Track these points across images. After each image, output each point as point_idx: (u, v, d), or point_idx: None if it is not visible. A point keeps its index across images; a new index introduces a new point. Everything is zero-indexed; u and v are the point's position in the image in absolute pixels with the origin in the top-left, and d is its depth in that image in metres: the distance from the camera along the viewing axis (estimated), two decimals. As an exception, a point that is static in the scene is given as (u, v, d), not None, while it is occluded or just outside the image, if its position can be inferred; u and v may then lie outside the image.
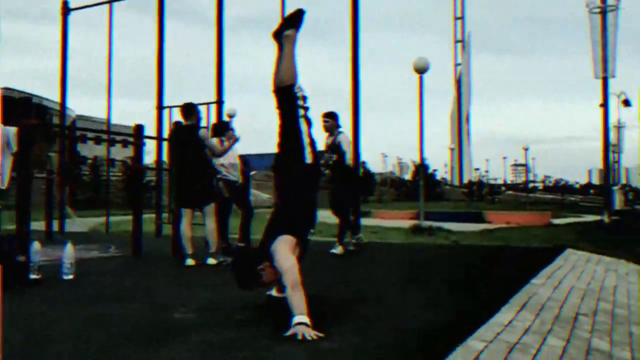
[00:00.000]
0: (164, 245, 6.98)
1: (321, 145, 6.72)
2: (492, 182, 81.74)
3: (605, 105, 14.60)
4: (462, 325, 2.88)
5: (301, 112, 3.27)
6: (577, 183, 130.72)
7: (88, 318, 3.13)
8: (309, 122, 3.31)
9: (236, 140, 5.91)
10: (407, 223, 14.88)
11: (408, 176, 68.26)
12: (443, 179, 62.42)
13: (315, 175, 3.35)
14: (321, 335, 2.65)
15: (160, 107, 9.14)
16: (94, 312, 3.30)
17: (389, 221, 18.00)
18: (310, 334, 2.64)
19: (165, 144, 6.85)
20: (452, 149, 22.45)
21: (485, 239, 10.79)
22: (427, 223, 13.18)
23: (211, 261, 5.61)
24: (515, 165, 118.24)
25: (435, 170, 56.60)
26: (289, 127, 3.23)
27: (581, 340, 2.94)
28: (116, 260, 6.08)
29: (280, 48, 3.30)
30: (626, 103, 28.14)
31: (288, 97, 3.23)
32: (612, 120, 29.95)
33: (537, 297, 3.87)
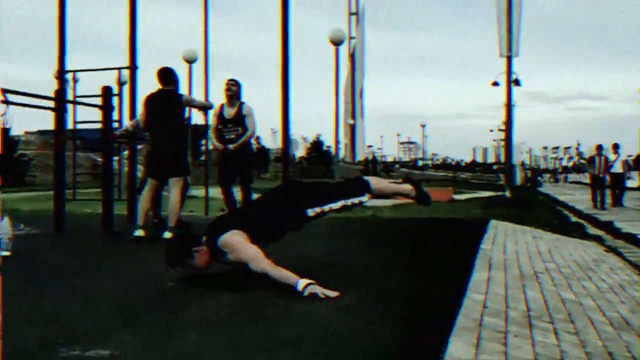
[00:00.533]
0: (89, 223, 6.84)
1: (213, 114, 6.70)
2: (382, 159, 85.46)
3: (515, 82, 16.04)
4: (454, 282, 3.34)
5: None
6: (462, 160, 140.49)
7: (76, 291, 3.19)
8: None
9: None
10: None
11: (300, 153, 69.17)
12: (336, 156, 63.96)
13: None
14: (337, 293, 2.97)
15: (61, 72, 8.75)
16: (79, 284, 3.35)
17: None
18: (327, 292, 2.95)
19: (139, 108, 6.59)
20: (351, 125, 23.34)
21: (401, 212, 11.60)
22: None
23: (168, 235, 5.63)
24: (406, 142, 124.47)
25: (329, 147, 57.98)
26: None
27: (551, 292, 3.54)
28: (40, 238, 5.89)
29: None
30: (516, 82, 30.85)
31: None
32: (504, 99, 32.56)
33: (495, 260, 4.45)
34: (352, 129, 20.68)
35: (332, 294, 2.95)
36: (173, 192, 5.67)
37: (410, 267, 3.96)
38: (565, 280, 4.00)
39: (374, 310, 2.75)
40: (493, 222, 7.54)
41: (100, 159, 8.15)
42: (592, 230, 8.81)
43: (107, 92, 6.09)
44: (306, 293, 2.94)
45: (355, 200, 3.45)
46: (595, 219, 10.75)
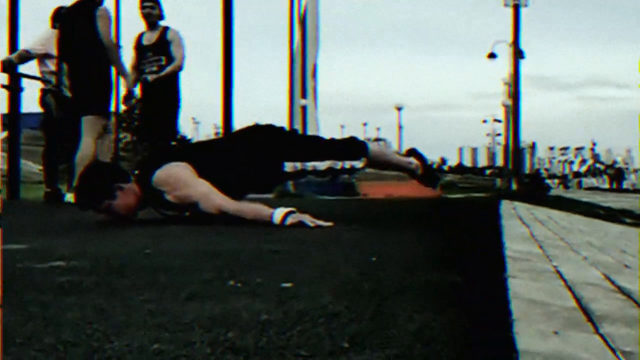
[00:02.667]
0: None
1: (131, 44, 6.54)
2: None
3: (519, 54, 16.26)
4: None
5: None
6: (444, 162, 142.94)
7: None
8: None
9: None
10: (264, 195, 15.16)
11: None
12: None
13: None
14: (331, 223, 2.79)
15: None
16: None
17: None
18: (318, 221, 2.77)
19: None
20: (303, 108, 23.22)
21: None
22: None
23: (71, 198, 5.37)
24: (375, 139, 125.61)
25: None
26: None
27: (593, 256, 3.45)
28: None
29: None
30: (520, 54, 31.52)
31: None
32: (502, 76, 33.24)
33: (522, 233, 4.40)
34: (304, 113, 20.56)
35: (325, 223, 2.78)
36: (85, 139, 5.46)
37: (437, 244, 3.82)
38: (597, 251, 3.93)
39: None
40: (504, 202, 7.55)
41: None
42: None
43: None
44: (288, 222, 2.76)
45: (347, 163, 3.36)
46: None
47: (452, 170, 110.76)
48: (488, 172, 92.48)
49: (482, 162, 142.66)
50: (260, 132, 3.45)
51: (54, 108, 6.30)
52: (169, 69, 6.31)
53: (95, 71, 5.52)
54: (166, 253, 2.13)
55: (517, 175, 15.02)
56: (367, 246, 2.39)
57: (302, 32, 18.84)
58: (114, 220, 3.08)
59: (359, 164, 3.41)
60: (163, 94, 6.38)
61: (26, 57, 6.36)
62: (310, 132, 20.31)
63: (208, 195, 2.93)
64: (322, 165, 3.33)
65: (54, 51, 6.19)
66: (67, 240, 2.33)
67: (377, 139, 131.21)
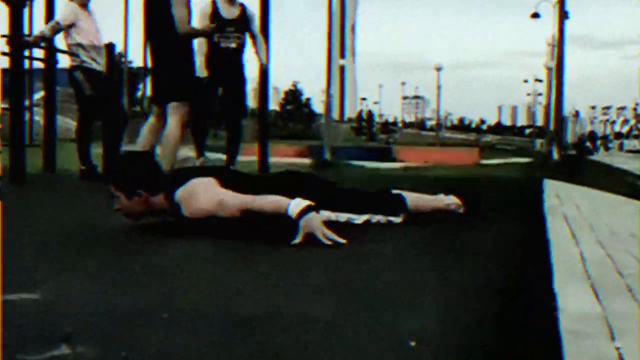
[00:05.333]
0: None
1: None
2: (380, 117, 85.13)
3: (562, 9, 15.69)
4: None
5: None
6: (483, 122, 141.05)
7: None
8: None
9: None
10: (298, 160, 15.06)
11: (271, 107, 68.60)
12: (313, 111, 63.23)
13: None
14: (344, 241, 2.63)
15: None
16: None
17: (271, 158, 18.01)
18: (333, 236, 2.60)
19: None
20: (341, 68, 22.85)
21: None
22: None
23: None
24: (412, 97, 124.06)
25: (308, 98, 57.46)
26: None
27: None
28: None
29: None
30: (564, 15, 30.58)
31: None
32: (546, 36, 32.30)
33: (572, 257, 4.21)
34: (342, 74, 20.21)
35: (339, 240, 2.61)
36: (170, 123, 5.31)
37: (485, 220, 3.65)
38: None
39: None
40: (547, 181, 7.28)
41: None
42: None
43: None
44: (302, 226, 2.58)
45: (383, 218, 3.23)
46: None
47: (491, 129, 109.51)
48: (527, 131, 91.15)
49: (522, 121, 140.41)
50: (300, 178, 3.29)
51: (85, 85, 6.16)
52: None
53: (175, 56, 5.37)
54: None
55: (558, 144, 14.57)
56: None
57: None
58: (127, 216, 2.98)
59: (397, 219, 3.27)
60: (241, 68, 6.32)
61: (58, 29, 6.21)
62: (348, 92, 20.08)
63: (225, 201, 2.76)
64: (359, 218, 3.18)
65: (80, 22, 6.06)
66: (91, 285, 2.08)
67: (416, 97, 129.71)
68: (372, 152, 21.78)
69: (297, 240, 2.57)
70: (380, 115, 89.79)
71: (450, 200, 3.43)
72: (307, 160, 14.18)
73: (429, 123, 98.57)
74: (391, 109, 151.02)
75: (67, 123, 33.03)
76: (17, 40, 5.67)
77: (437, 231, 3.16)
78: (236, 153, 6.48)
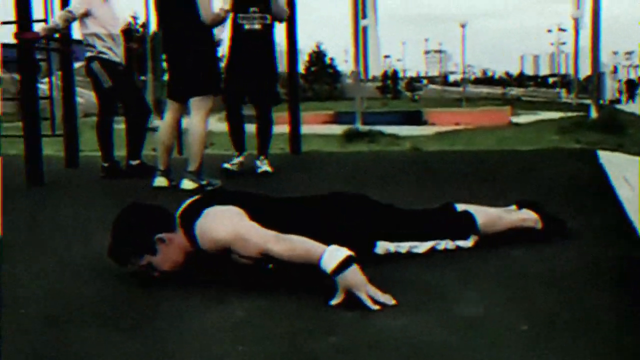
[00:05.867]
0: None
1: None
2: (403, 74, 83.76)
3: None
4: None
5: None
6: (509, 75, 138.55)
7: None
8: None
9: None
10: (326, 129, 14.55)
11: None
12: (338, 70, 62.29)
13: None
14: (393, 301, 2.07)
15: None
16: None
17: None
18: (379, 296, 2.05)
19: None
20: (363, 27, 22.09)
21: (449, 144, 10.75)
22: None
23: (187, 185, 4.84)
24: (434, 51, 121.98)
25: (332, 59, 56.43)
26: None
27: None
28: None
29: None
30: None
31: None
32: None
33: None
34: (364, 33, 19.57)
35: (388, 300, 2.06)
36: (195, 118, 4.87)
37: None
38: None
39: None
40: (602, 153, 6.66)
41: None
42: None
43: None
44: (340, 285, 2.04)
45: (451, 244, 2.67)
46: None
47: (515, 80, 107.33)
48: (551, 80, 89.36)
49: (544, 70, 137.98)
50: (348, 203, 2.70)
51: (103, 77, 5.64)
52: (281, 16, 5.83)
53: (199, 47, 4.92)
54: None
55: (596, 102, 13.75)
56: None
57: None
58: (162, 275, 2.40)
59: (468, 243, 2.70)
60: (270, 51, 5.78)
61: (70, 18, 5.68)
62: (371, 51, 19.49)
63: (245, 233, 2.23)
64: (422, 247, 2.62)
65: (95, 10, 5.55)
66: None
67: (438, 51, 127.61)
68: (400, 115, 21.14)
69: (336, 301, 2.04)
70: (404, 71, 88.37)
71: (526, 216, 2.86)
72: (336, 128, 13.62)
73: (452, 77, 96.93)
74: (414, 64, 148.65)
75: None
76: (26, 35, 5.16)
77: (522, 258, 2.60)
78: (267, 144, 5.94)
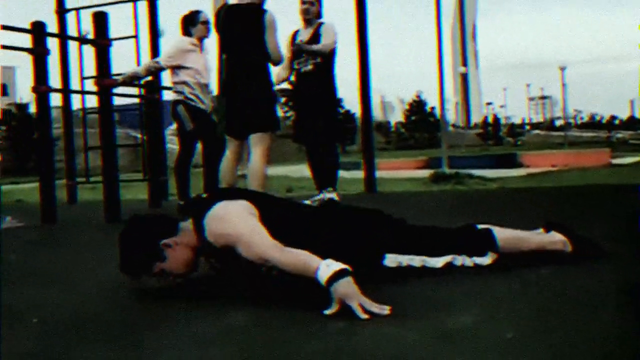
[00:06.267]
0: (87, 212, 6.31)
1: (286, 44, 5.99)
2: (506, 120, 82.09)
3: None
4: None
5: None
6: (615, 118, 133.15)
7: None
8: None
9: None
10: (416, 173, 14.44)
11: (395, 118, 68.08)
12: (438, 119, 62.05)
13: None
14: (387, 309, 2.00)
15: (61, 11, 8.26)
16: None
17: (389, 172, 17.51)
18: (370, 306, 1.99)
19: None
20: (463, 76, 21.89)
21: (537, 183, 10.43)
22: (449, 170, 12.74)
23: None
24: (539, 98, 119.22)
25: (433, 108, 56.23)
26: None
27: None
28: (22, 232, 5.35)
29: None
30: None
31: None
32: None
33: None
34: (465, 81, 19.41)
35: (381, 310, 1.99)
36: (255, 154, 4.98)
37: None
38: None
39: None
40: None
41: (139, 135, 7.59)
42: None
43: (100, 18, 5.39)
44: (334, 295, 2.01)
45: (469, 261, 2.56)
46: None
47: (623, 124, 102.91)
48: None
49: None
50: (358, 216, 2.66)
51: (186, 120, 5.87)
52: (316, 47, 5.74)
53: (264, 85, 5.08)
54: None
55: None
56: None
57: (460, -7, 17.77)
58: (176, 279, 2.46)
59: (486, 260, 2.58)
60: (319, 86, 5.86)
61: (156, 68, 5.96)
62: (473, 98, 19.30)
63: (249, 237, 2.21)
64: (437, 262, 2.53)
65: (187, 62, 5.78)
66: None
67: (542, 97, 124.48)
68: (495, 159, 20.72)
69: (330, 311, 2.00)
70: (507, 118, 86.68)
71: (553, 238, 2.70)
72: (424, 173, 13.50)
73: (559, 122, 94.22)
74: (517, 111, 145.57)
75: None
76: (105, 81, 5.46)
77: (540, 278, 2.46)
78: (334, 176, 5.99)
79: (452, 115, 20.46)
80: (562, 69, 38.12)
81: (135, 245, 2.41)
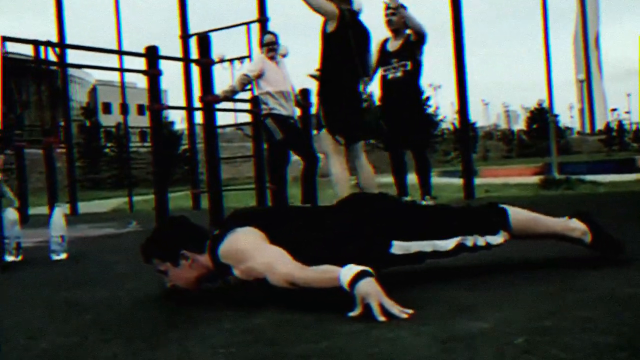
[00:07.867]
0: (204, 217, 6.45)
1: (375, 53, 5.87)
2: (631, 126, 77.04)
3: None
4: None
5: None
6: None
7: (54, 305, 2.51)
8: None
9: None
10: (530, 179, 13.82)
11: (519, 126, 65.86)
12: (566, 127, 59.40)
13: None
14: (409, 312, 1.88)
15: (185, 36, 8.59)
16: (68, 297, 2.68)
17: (503, 179, 16.91)
18: (391, 307, 1.87)
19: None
20: (581, 82, 20.84)
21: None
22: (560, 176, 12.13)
23: None
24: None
25: (556, 115, 53.92)
26: None
27: None
28: (133, 236, 5.57)
29: None
30: None
31: None
32: None
33: None
34: (589, 89, 18.58)
35: (402, 313, 1.87)
36: (363, 160, 4.89)
37: None
38: None
39: None
40: None
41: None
42: None
43: (151, 52, 5.54)
44: (357, 297, 1.89)
45: (481, 240, 2.37)
46: None
47: None
48: None
49: None
50: (365, 204, 2.50)
51: (276, 131, 5.94)
52: (420, 29, 5.73)
53: (361, 98, 4.94)
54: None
55: None
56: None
57: (581, 2, 17.15)
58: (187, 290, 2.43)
59: (498, 238, 2.39)
60: (414, 95, 5.88)
61: (247, 80, 6.11)
62: (597, 105, 18.39)
63: (272, 266, 2.13)
64: (447, 244, 2.33)
65: (267, 72, 5.91)
66: None
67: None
68: (613, 164, 19.49)
69: (355, 313, 1.89)
70: (633, 124, 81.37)
71: (573, 225, 2.47)
72: (534, 179, 12.89)
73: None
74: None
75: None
76: (208, 97, 5.60)
77: (561, 279, 2.24)
78: (427, 183, 5.85)
79: (577, 122, 19.49)
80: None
81: (163, 238, 2.42)
